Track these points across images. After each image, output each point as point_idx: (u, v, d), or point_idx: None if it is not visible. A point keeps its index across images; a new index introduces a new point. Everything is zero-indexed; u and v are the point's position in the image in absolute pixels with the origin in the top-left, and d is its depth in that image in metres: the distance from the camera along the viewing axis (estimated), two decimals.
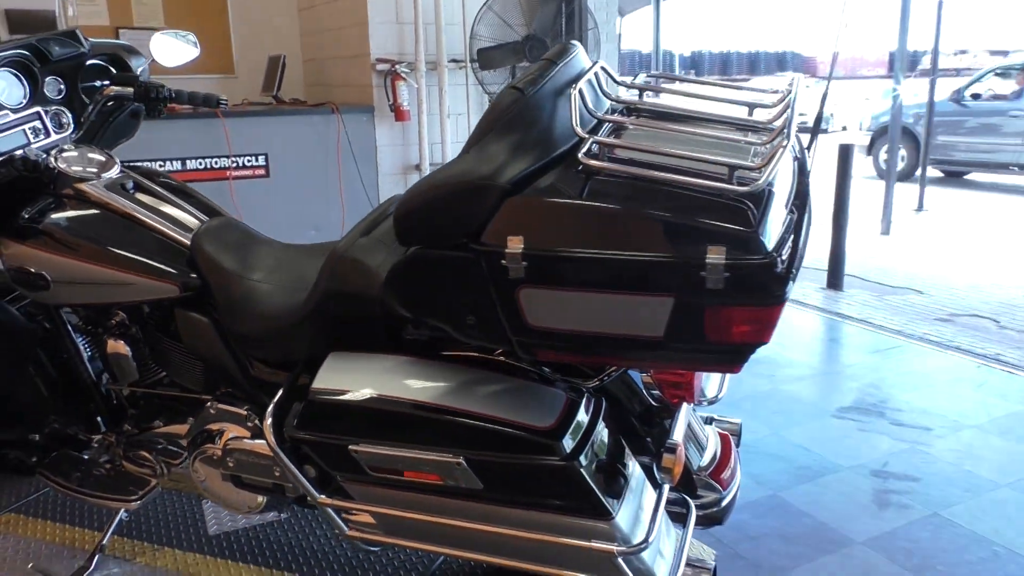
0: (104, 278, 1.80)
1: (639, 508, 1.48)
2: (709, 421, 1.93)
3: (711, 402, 1.97)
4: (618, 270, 1.25)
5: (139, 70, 2.20)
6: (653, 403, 1.67)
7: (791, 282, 1.23)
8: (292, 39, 6.45)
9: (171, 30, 2.22)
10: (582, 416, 1.43)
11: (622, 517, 1.42)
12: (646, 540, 1.40)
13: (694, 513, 1.59)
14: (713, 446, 1.74)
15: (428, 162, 5.45)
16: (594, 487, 1.39)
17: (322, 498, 1.56)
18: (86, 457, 2.04)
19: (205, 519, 2.17)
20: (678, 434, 1.51)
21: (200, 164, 4.95)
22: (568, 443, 1.37)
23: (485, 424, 1.39)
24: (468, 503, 1.45)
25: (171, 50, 2.19)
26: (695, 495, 1.67)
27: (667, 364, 1.43)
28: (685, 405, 1.59)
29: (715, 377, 1.99)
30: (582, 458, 1.38)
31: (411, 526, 1.53)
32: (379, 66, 5.23)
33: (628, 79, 1.68)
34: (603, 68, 1.56)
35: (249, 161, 5.08)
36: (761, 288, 1.21)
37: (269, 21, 6.37)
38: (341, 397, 1.48)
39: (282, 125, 5.16)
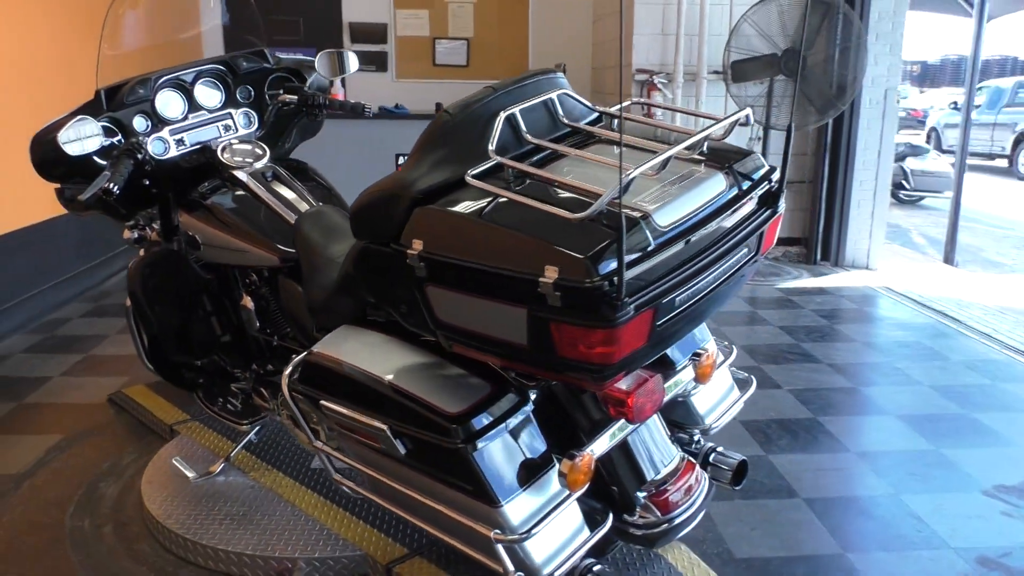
0: (229, 245, 2.29)
1: (540, 504, 1.54)
2: (711, 451, 1.88)
3: (704, 431, 1.91)
4: (486, 279, 1.37)
5: (308, 83, 2.68)
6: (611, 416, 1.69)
7: (629, 308, 1.26)
8: (584, 49, 6.83)
9: (334, 49, 2.66)
10: (496, 409, 1.55)
11: (513, 507, 1.51)
12: (527, 533, 1.48)
13: (608, 524, 1.60)
14: (670, 470, 1.72)
15: None
16: (483, 473, 1.50)
17: (317, 443, 1.87)
18: (232, 387, 2.58)
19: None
20: (596, 445, 1.56)
21: None
22: (466, 430, 1.51)
23: (407, 401, 1.58)
24: (398, 466, 1.65)
25: (331, 64, 2.63)
26: (630, 511, 1.68)
27: (544, 372, 1.49)
28: (622, 422, 1.61)
29: (708, 406, 1.93)
30: (478, 445, 1.50)
31: (366, 478, 1.76)
32: (638, 76, 5.38)
33: (603, 106, 1.74)
34: (568, 95, 1.65)
35: None
36: (593, 310, 1.26)
37: (565, 32, 6.83)
38: (323, 361, 1.77)
39: None
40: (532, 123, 1.60)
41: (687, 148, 1.47)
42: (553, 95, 1.63)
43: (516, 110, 1.54)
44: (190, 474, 2.48)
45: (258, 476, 2.48)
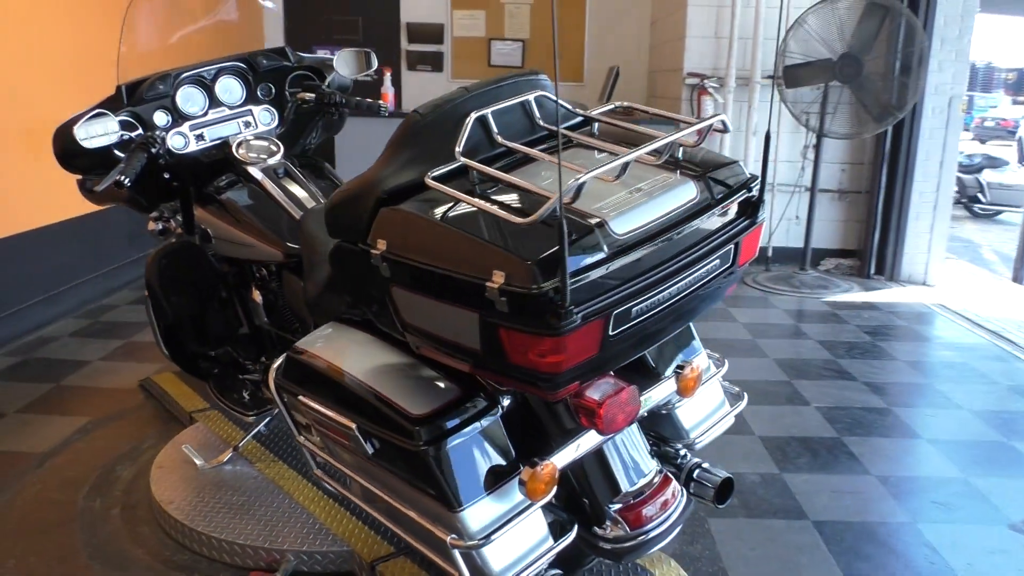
0: (237, 239, 2.33)
1: (501, 511, 1.52)
2: (696, 467, 1.81)
3: (688, 446, 1.85)
4: (441, 282, 1.36)
5: (327, 81, 2.71)
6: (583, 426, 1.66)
7: (575, 317, 1.22)
8: (641, 52, 6.75)
9: (354, 48, 2.68)
10: (461, 413, 1.53)
11: (471, 513, 1.49)
12: (484, 540, 1.46)
13: (571, 536, 1.56)
14: (645, 483, 1.67)
15: None
16: (442, 477, 1.49)
17: (300, 437, 1.88)
18: (242, 379, 2.63)
19: None
20: (561, 455, 1.53)
21: None
22: (428, 432, 1.49)
23: (374, 400, 1.58)
24: (367, 464, 1.65)
25: (351, 63, 2.65)
26: (600, 523, 1.63)
27: (499, 379, 1.46)
28: (592, 433, 1.58)
29: (693, 420, 1.87)
30: (439, 448, 1.49)
31: (340, 475, 1.77)
32: (688, 80, 5.28)
33: (587, 108, 1.70)
34: (548, 97, 1.62)
35: None
36: (538, 317, 1.23)
37: (622, 34, 6.75)
38: (303, 357, 1.78)
39: None
40: (507, 125, 1.57)
41: (652, 153, 1.43)
42: (530, 97, 1.61)
43: (488, 112, 1.52)
44: (199, 461, 2.53)
45: (263, 467, 2.52)
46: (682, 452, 1.86)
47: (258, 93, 2.62)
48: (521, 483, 1.48)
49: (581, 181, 1.25)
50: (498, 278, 1.25)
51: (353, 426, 1.60)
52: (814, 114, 4.79)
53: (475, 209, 1.36)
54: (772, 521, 2.37)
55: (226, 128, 2.50)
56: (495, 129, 1.53)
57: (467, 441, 1.53)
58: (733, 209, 1.54)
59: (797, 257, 5.24)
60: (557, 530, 1.59)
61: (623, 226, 1.33)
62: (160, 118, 2.36)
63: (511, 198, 1.41)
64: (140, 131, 2.30)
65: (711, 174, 1.51)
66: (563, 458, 1.54)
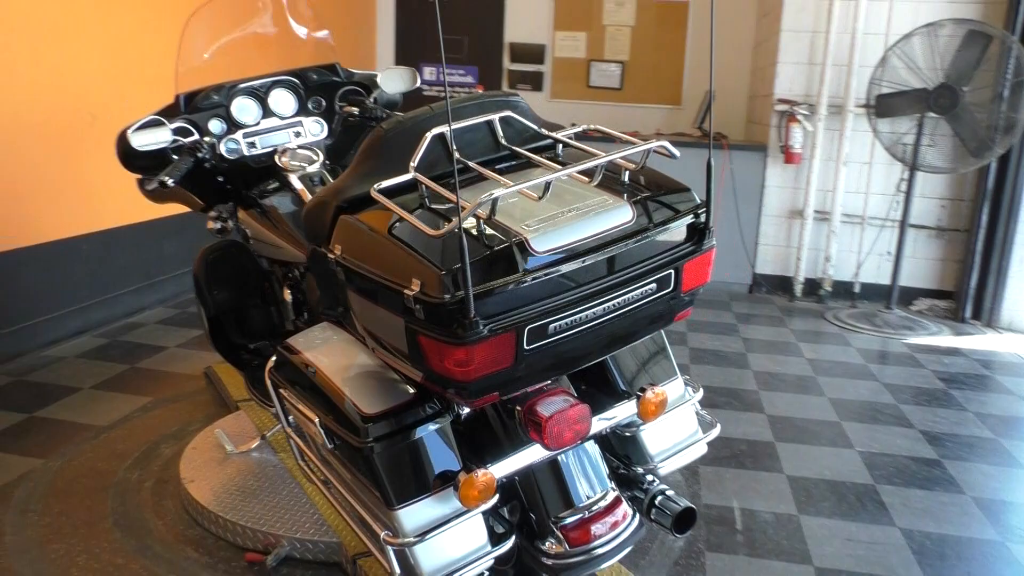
0: (268, 239, 2.49)
1: (438, 514, 1.55)
2: (659, 494, 1.79)
3: (650, 471, 1.83)
4: (376, 287, 1.43)
5: (372, 96, 2.84)
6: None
7: (480, 328, 1.27)
8: (742, 76, 6.62)
9: (396, 67, 2.80)
10: (410, 416, 1.58)
11: (407, 512, 1.53)
12: (417, 539, 1.50)
13: (508, 544, 1.58)
14: (593, 502, 1.67)
15: (813, 208, 5.18)
16: (383, 475, 1.54)
17: (289, 428, 1.99)
18: None
19: None
20: (500, 465, 1.56)
21: None
22: (374, 431, 1.56)
23: (334, 397, 1.66)
24: (330, 456, 1.73)
25: (396, 80, 2.77)
26: (542, 538, 1.65)
27: (427, 384, 1.50)
28: (537, 447, 1.60)
29: (660, 446, 1.84)
30: (384, 447, 1.55)
31: (313, 467, 1.86)
32: (779, 106, 5.15)
33: (565, 128, 1.73)
34: (515, 118, 1.66)
35: None
36: (446, 326, 1.29)
37: (722, 58, 6.65)
38: (288, 352, 1.89)
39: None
40: (469, 143, 1.63)
41: (586, 174, 1.45)
42: (495, 116, 1.66)
43: (446, 130, 1.58)
44: (228, 447, 2.71)
45: (285, 458, 2.67)
46: (648, 477, 1.84)
47: (309, 105, 2.78)
48: (456, 488, 1.52)
49: (493, 197, 1.30)
50: (415, 286, 1.32)
51: (316, 419, 1.70)
52: (908, 146, 4.57)
53: (405, 220, 1.43)
54: (772, 562, 2.29)
55: (277, 137, 2.67)
56: (454, 146, 1.59)
57: (412, 443, 1.59)
58: (680, 234, 1.54)
59: (887, 295, 4.98)
60: (497, 540, 1.62)
61: (544, 244, 1.36)
62: (215, 126, 2.55)
63: (448, 211, 1.46)
64: (195, 137, 2.51)
65: (658, 198, 1.52)
66: (504, 468, 1.58)
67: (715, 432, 1.89)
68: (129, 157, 2.49)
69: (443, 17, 7.35)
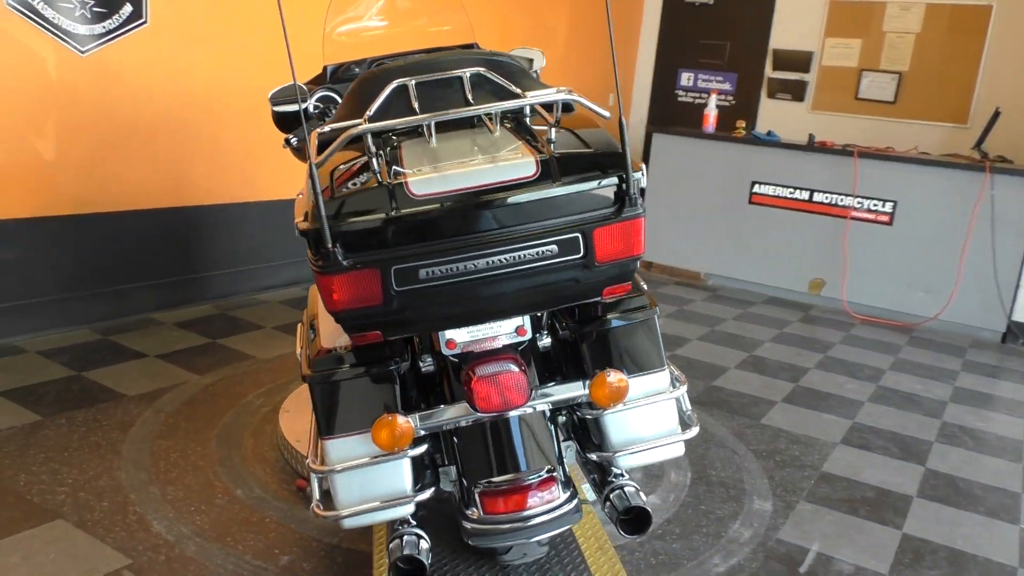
0: None
1: (366, 451, 1.57)
2: (618, 488, 1.63)
3: (606, 460, 1.67)
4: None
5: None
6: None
7: (339, 259, 1.33)
8: None
9: (527, 47, 2.80)
10: (360, 356, 1.61)
11: (336, 444, 1.58)
12: (335, 470, 1.56)
13: (424, 495, 1.58)
14: (522, 475, 1.58)
15: None
16: (318, 404, 1.61)
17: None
18: None
19: None
20: (419, 416, 1.59)
21: (825, 199, 5.07)
22: (322, 364, 1.61)
23: (312, 333, 1.77)
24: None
25: (536, 58, 2.77)
26: (466, 502, 1.60)
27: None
28: (465, 406, 1.57)
29: (625, 435, 1.66)
30: (327, 380, 1.60)
31: None
32: None
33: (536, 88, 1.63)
34: (488, 76, 1.60)
35: (875, 205, 4.92)
36: (314, 255, 1.37)
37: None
38: (311, 291, 2.03)
39: (920, 175, 4.79)
40: (440, 98, 1.61)
41: (502, 126, 1.40)
42: (464, 72, 1.61)
43: (411, 82, 1.58)
44: None
45: None
46: (616, 470, 1.68)
47: None
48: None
49: (350, 135, 1.31)
50: (299, 218, 1.38)
51: (299, 349, 1.82)
52: None
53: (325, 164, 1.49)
54: None
55: None
56: (415, 98, 1.58)
57: (351, 382, 1.63)
58: (597, 199, 1.40)
59: None
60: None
61: (423, 188, 1.34)
62: None
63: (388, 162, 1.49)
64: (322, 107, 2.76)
65: (577, 159, 1.40)
66: (427, 419, 1.57)
67: (692, 432, 1.68)
68: (276, 117, 2.82)
69: (707, 21, 7.15)
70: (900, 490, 2.67)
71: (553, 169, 1.40)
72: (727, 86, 6.96)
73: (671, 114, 7.15)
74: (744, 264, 5.40)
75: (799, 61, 6.63)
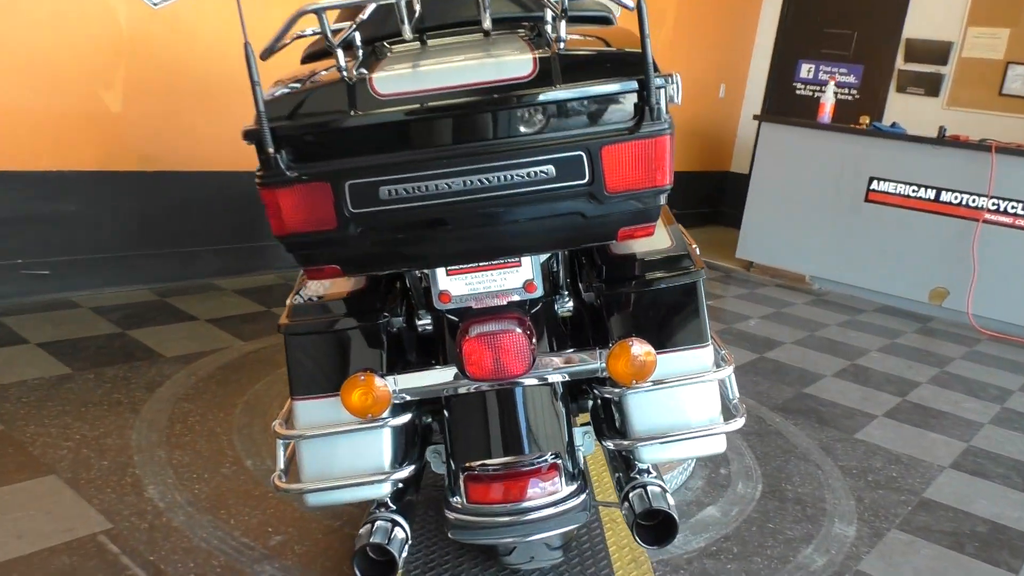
0: None
1: (339, 418, 1.35)
2: (642, 486, 1.32)
3: (626, 448, 1.35)
4: None
5: None
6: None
7: (282, 169, 1.11)
8: None
9: None
10: (337, 313, 1.41)
11: (307, 406, 1.37)
12: (302, 435, 1.35)
13: (404, 472, 1.34)
14: (520, 460, 1.30)
15: None
16: (290, 362, 1.39)
17: None
18: None
19: None
20: (400, 380, 1.35)
21: (954, 199, 4.50)
22: (297, 316, 1.40)
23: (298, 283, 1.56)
24: None
25: None
26: (452, 486, 1.34)
27: None
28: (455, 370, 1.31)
29: (649, 421, 1.35)
30: (291, 335, 1.39)
31: None
32: None
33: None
34: None
35: (1013, 208, 4.31)
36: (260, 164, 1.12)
37: None
38: None
39: None
40: (453, 4, 1.37)
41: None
42: None
43: None
44: None
45: None
46: (640, 465, 1.36)
47: None
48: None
49: (288, 21, 1.06)
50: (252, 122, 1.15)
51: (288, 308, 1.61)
52: None
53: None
54: None
55: None
56: (419, 10, 1.34)
57: (330, 335, 1.41)
58: (606, 111, 1.09)
59: None
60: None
61: (389, 86, 1.07)
62: None
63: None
64: None
65: (585, 59, 1.10)
66: (407, 382, 1.32)
67: (738, 423, 1.33)
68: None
69: (832, 8, 6.56)
70: (1019, 526, 2.21)
71: (554, 69, 1.10)
72: (851, 79, 6.38)
73: (788, 108, 6.63)
74: (856, 268, 4.87)
75: (936, 52, 5.98)
